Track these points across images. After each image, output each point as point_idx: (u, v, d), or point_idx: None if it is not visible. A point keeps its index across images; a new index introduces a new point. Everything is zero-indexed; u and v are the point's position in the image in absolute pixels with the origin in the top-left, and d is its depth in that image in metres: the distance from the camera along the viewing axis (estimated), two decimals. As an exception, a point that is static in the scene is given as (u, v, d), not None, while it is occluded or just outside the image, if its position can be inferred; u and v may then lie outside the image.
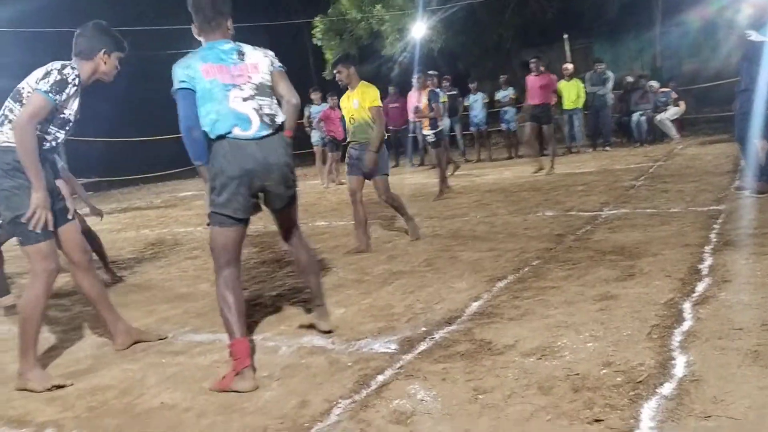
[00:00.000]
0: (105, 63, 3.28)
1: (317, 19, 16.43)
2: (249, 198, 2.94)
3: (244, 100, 2.90)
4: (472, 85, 14.14)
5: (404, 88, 13.53)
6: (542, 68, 10.07)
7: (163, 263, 6.11)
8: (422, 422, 2.24)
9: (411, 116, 13.16)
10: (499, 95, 14.12)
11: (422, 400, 2.41)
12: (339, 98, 12.27)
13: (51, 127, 3.12)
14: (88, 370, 3.24)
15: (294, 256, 3.39)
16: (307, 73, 21.96)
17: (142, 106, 17.02)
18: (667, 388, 2.25)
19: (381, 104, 5.42)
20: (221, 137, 2.86)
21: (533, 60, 10.18)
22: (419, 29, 16.11)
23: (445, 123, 10.47)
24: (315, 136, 12.27)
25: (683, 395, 2.18)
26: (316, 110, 12.22)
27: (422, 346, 3.00)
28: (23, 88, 3.08)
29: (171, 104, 2.92)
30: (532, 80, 10.01)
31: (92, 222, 6.02)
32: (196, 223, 8.86)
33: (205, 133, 2.89)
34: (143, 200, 13.80)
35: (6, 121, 3.07)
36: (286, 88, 3.07)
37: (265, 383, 2.79)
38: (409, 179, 11.68)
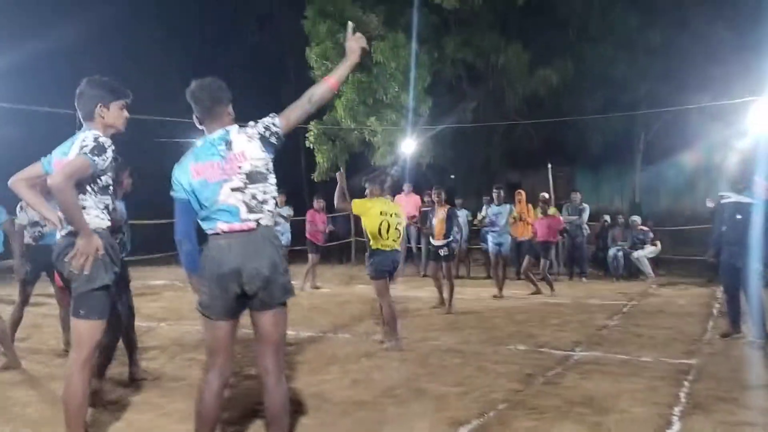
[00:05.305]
0: (104, 116, 3.14)
1: (312, 123, 16.83)
2: (228, 300, 2.94)
3: (233, 190, 2.92)
4: (457, 201, 14.24)
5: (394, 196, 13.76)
6: (549, 211, 11.38)
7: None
8: None
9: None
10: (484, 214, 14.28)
11: None
12: (323, 201, 12.46)
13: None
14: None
15: (264, 390, 2.96)
16: (298, 172, 22.41)
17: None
18: None
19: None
20: (208, 234, 3.01)
21: (543, 198, 11.55)
22: (409, 145, 16.54)
23: (458, 236, 10.90)
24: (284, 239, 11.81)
25: None
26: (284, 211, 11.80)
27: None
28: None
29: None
30: (540, 221, 11.17)
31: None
32: (160, 317, 8.53)
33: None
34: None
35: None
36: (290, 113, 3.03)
37: None
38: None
